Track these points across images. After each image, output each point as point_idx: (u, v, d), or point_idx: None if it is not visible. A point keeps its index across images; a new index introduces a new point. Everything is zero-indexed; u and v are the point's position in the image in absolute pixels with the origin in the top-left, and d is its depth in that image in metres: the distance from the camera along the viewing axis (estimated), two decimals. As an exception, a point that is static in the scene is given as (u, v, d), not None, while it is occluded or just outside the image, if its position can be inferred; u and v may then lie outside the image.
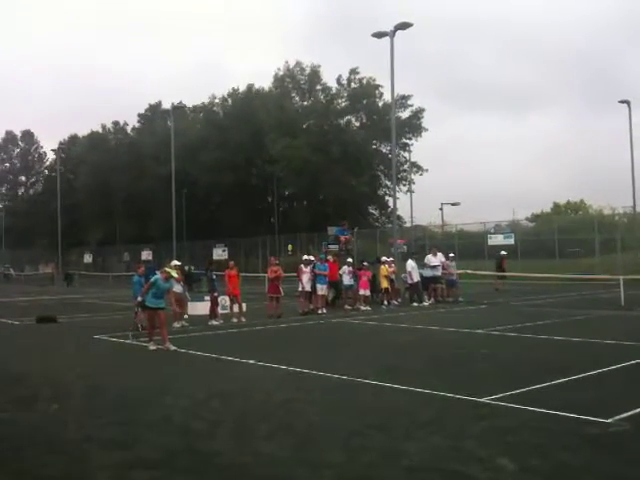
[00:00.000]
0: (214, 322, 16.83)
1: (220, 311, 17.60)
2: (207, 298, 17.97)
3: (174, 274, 13.48)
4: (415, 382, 8.35)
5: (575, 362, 9.79)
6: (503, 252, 30.47)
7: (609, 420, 6.29)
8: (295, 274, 20.56)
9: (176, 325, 15.66)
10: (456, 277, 23.46)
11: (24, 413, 7.37)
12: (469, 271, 27.35)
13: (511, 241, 37.65)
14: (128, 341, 13.22)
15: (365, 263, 21.68)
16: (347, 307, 20.62)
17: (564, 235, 38.04)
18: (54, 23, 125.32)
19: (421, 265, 22.37)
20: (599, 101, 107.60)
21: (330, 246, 26.86)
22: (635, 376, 8.90)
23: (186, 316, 17.00)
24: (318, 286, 19.49)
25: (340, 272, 21.06)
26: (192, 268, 18.11)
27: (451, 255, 24.15)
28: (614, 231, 35.95)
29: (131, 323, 14.92)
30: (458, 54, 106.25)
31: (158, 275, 12.64)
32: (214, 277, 17.91)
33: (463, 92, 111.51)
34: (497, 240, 38.87)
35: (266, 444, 5.89)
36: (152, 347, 12.17)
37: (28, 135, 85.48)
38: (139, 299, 12.73)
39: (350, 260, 21.75)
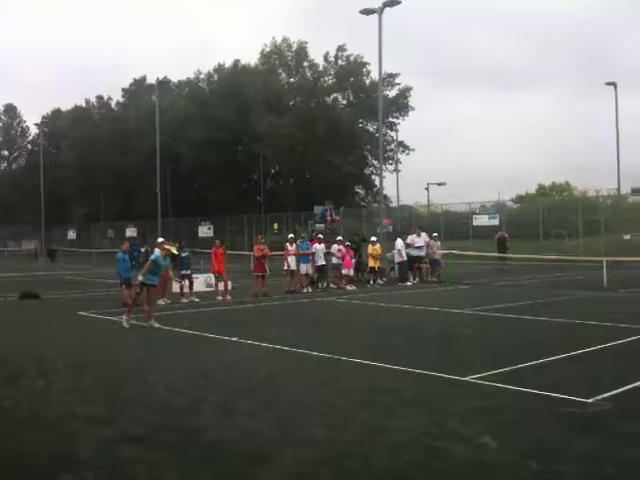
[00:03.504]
0: (162, 302, 15.78)
1: (206, 289, 17.54)
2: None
3: (174, 251, 13.30)
4: (399, 361, 8.40)
5: (558, 342, 9.90)
6: (501, 232, 30.89)
7: (590, 400, 6.37)
8: (280, 253, 20.49)
9: (160, 302, 15.60)
10: (439, 257, 23.61)
11: (7, 390, 7.32)
12: (454, 251, 27.47)
13: (496, 222, 37.82)
14: (115, 318, 13.13)
15: (348, 243, 21.65)
16: (333, 286, 20.65)
17: (548, 216, 38.23)
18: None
19: (405, 245, 22.42)
20: (589, 83, 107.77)
21: (316, 225, 26.83)
22: (617, 357, 9.00)
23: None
24: (302, 265, 19.50)
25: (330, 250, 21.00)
26: (178, 245, 17.81)
27: (435, 235, 24.25)
28: (598, 213, 36.18)
29: (117, 300, 14.82)
30: (448, 35, 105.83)
31: (158, 253, 12.45)
32: (183, 255, 17.58)
33: (452, 74, 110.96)
34: (482, 221, 39.07)
35: (250, 421, 5.92)
36: (125, 325, 12.04)
37: (10, 109, 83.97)
38: (140, 278, 12.08)
39: (340, 238, 21.65)
